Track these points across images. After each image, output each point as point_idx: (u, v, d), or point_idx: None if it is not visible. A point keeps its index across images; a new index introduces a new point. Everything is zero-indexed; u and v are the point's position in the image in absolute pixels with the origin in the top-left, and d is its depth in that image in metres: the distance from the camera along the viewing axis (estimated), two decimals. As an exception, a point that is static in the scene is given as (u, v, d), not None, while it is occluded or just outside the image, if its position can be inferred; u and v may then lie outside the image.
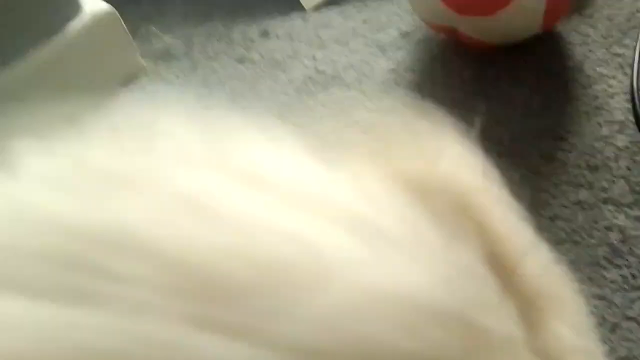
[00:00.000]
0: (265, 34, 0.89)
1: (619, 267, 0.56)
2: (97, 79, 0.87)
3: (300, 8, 0.91)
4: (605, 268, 0.56)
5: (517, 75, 0.73)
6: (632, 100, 0.65)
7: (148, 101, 0.31)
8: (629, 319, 0.53)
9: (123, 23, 0.87)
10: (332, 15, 0.89)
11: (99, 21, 0.84)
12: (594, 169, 0.63)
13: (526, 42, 0.74)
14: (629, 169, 0.62)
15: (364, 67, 0.80)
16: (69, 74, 0.84)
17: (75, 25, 0.83)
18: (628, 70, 0.69)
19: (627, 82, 0.69)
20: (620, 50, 0.73)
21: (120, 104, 0.83)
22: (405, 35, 0.83)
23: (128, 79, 0.89)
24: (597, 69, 0.72)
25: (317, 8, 0.91)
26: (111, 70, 0.88)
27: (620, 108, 0.67)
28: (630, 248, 0.57)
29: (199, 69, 0.88)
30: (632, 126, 0.65)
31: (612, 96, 0.69)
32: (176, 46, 0.92)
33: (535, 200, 0.62)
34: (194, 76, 0.87)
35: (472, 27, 0.73)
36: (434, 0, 0.71)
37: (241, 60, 0.87)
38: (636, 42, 0.69)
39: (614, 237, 0.58)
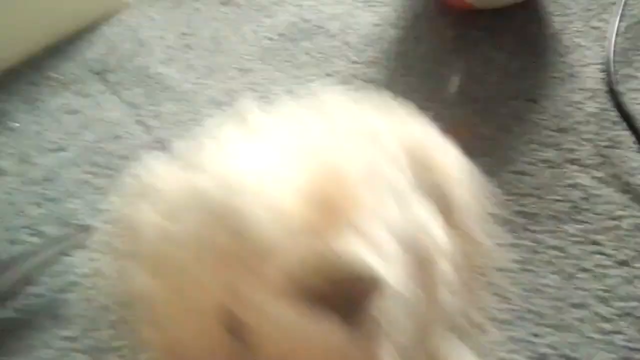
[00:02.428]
0: (252, -21, 0.90)
1: (579, 222, 0.58)
2: (78, 10, 0.86)
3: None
4: (565, 222, 0.58)
5: (498, 39, 0.75)
6: (606, 70, 0.67)
7: None
8: (585, 270, 0.55)
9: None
10: (322, -33, 0.90)
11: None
12: (563, 131, 0.65)
13: (509, 8, 0.76)
14: (596, 133, 0.64)
15: (349, 19, 0.81)
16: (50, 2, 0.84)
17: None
18: (604, 43, 0.71)
19: (602, 53, 0.71)
20: (598, 24, 0.75)
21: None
22: (391, -8, 0.84)
23: (110, 13, 0.89)
24: (575, 39, 0.74)
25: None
26: (93, 3, 0.88)
27: (593, 77, 0.69)
28: (591, 206, 0.59)
29: (182, 8, 0.88)
30: (603, 94, 0.67)
31: (586, 65, 0.71)
32: (162, -16, 0.92)
33: (504, 156, 0.64)
34: (177, 15, 0.87)
35: (458, -12, 0.74)
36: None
37: (226, 3, 0.87)
38: (615, 16, 0.71)
39: (576, 194, 0.60)
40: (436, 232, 0.32)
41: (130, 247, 0.32)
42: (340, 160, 0.29)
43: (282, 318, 0.26)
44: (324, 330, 0.26)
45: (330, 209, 0.27)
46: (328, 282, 0.26)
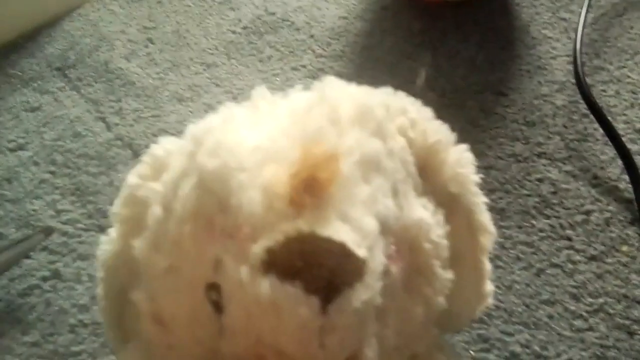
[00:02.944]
0: (216, -29, 0.88)
1: (548, 217, 0.58)
2: (38, 5, 0.84)
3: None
4: (534, 217, 0.58)
5: (465, 31, 0.74)
6: (574, 62, 0.66)
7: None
8: (555, 265, 0.55)
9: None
10: (286, -41, 0.88)
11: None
12: (531, 124, 0.64)
13: (477, 0, 0.75)
14: (565, 126, 0.64)
15: (315, 12, 0.80)
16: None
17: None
18: (572, 35, 0.71)
19: (570, 45, 0.70)
20: (566, 15, 0.74)
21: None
22: (357, -16, 0.83)
23: (71, 7, 0.86)
24: (543, 31, 0.73)
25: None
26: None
27: (561, 69, 0.69)
28: (560, 200, 0.58)
29: (144, 1, 0.86)
30: (572, 87, 0.66)
31: (555, 57, 0.70)
32: (123, -24, 0.90)
33: (472, 151, 0.63)
34: (139, 8, 0.85)
35: (424, -21, 0.73)
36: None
37: (190, -5, 0.86)
38: (582, 7, 0.71)
39: (545, 189, 0.59)
40: (434, 232, 0.33)
41: (138, 220, 0.34)
42: (338, 147, 0.30)
43: (254, 288, 0.27)
44: (294, 305, 0.27)
45: (318, 192, 0.28)
46: (305, 262, 0.27)
